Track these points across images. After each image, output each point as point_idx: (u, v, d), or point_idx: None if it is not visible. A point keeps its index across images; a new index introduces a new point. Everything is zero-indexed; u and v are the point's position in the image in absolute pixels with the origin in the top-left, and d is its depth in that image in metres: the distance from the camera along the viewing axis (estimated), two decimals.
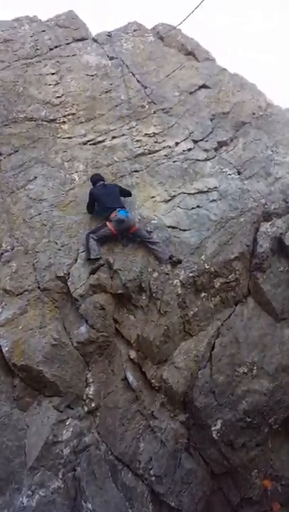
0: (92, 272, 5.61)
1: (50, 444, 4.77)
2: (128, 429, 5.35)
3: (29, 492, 4.51)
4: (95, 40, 8.88)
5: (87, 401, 5.28)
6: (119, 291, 5.68)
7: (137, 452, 5.29)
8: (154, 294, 5.82)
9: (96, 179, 6.35)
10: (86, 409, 5.24)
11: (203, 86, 8.37)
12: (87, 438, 5.05)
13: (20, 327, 5.23)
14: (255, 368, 5.84)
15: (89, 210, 6.24)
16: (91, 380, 5.39)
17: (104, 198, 5.98)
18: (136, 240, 6.02)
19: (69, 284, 5.56)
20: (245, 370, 5.80)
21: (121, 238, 6.00)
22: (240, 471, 5.59)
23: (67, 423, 5.00)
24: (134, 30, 9.27)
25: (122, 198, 6.23)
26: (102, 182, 6.28)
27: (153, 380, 5.63)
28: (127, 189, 6.45)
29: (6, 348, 5.06)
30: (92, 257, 5.62)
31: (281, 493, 5.61)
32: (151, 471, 5.24)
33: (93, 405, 5.27)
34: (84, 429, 5.07)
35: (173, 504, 5.22)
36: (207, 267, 6.12)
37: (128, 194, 6.42)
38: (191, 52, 9.09)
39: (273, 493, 5.55)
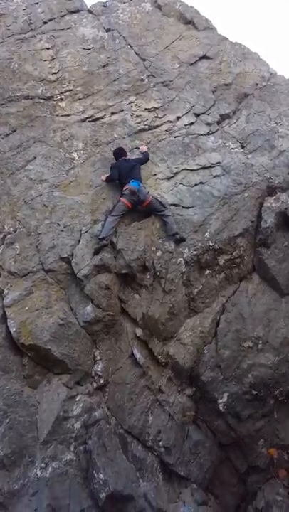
0: (96, 252, 5.62)
1: (61, 420, 4.92)
2: (136, 403, 5.48)
3: (42, 464, 4.69)
4: (90, 12, 8.52)
5: (95, 377, 5.40)
6: (124, 271, 5.69)
7: (146, 425, 5.44)
8: (158, 273, 5.83)
9: (118, 154, 6.35)
10: (95, 385, 5.37)
11: (204, 57, 8.07)
12: (97, 413, 5.19)
13: (26, 308, 5.29)
14: (260, 342, 5.90)
15: (109, 180, 6.25)
16: (99, 357, 5.49)
17: (123, 173, 6.05)
18: (149, 213, 6.04)
19: (73, 264, 5.57)
20: (251, 345, 5.87)
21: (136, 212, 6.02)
22: (246, 441, 5.75)
23: (77, 399, 5.14)
24: (131, 0, 8.87)
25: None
26: (124, 157, 6.31)
27: (160, 356, 5.73)
28: (144, 157, 6.47)
29: (14, 329, 5.14)
30: (100, 237, 5.67)
31: (287, 461, 5.78)
32: (160, 443, 5.40)
33: (102, 381, 5.39)
34: (94, 405, 5.21)
35: (182, 473, 5.42)
36: (211, 244, 6.09)
37: (147, 159, 6.48)
38: (190, 21, 8.71)
39: (279, 461, 5.72)
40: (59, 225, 5.85)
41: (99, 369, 5.43)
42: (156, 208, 6.01)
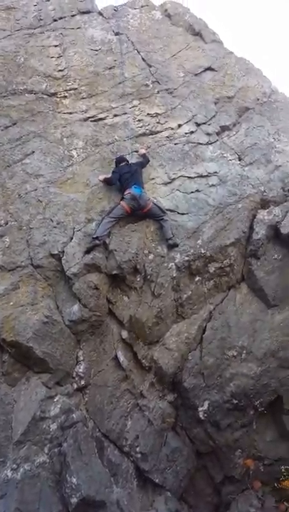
0: (87, 251, 5.58)
1: (37, 420, 4.81)
2: (116, 407, 5.41)
3: (14, 465, 4.55)
4: (100, 14, 8.60)
5: (76, 378, 5.32)
6: (114, 272, 5.66)
7: (124, 430, 5.38)
8: (148, 276, 5.82)
9: (119, 161, 6.38)
10: (75, 386, 5.28)
11: (209, 68, 8.19)
12: (75, 415, 5.10)
13: (11, 303, 5.20)
14: (244, 351, 5.92)
15: (106, 181, 6.26)
16: (82, 358, 5.42)
17: (124, 177, 6.08)
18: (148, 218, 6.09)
19: (63, 262, 5.52)
20: (235, 354, 5.88)
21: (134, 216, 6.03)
22: (224, 450, 5.73)
23: (56, 399, 5.04)
24: (142, 6, 8.98)
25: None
26: (125, 162, 6.35)
27: (143, 360, 5.69)
28: (145, 159, 6.58)
29: None
30: (94, 236, 5.64)
31: (263, 473, 5.76)
32: (138, 449, 5.34)
33: (83, 383, 5.31)
34: (72, 406, 5.12)
35: (157, 481, 5.35)
36: (203, 251, 6.11)
37: (147, 161, 6.57)
38: (198, 32, 8.86)
39: (255, 472, 5.70)
40: (52, 221, 5.81)
41: (81, 370, 5.35)
42: (155, 214, 6.05)
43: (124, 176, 6.09)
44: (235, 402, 5.68)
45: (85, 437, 4.99)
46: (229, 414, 5.69)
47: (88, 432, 5.10)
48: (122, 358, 5.60)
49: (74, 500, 4.46)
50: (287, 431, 5.91)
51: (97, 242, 5.62)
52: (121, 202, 5.89)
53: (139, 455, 5.34)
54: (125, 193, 5.93)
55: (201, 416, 5.60)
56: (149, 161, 6.61)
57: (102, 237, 5.66)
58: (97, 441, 5.16)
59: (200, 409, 5.61)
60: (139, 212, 6.00)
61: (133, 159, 6.63)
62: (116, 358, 5.60)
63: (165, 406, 5.70)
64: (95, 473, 4.76)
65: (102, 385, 5.46)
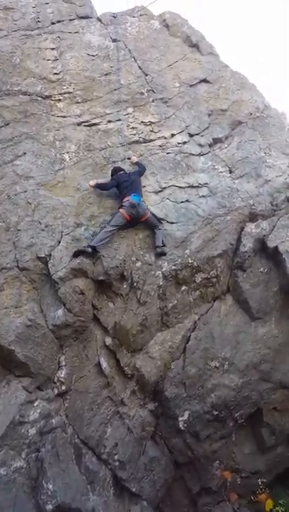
0: (75, 255, 5.50)
1: (16, 424, 4.73)
2: (96, 414, 5.38)
3: None
4: (99, 20, 8.64)
5: (57, 384, 5.26)
6: (101, 278, 5.65)
7: (103, 437, 5.34)
8: (135, 284, 5.82)
9: (116, 170, 6.40)
10: (56, 391, 5.22)
11: (204, 80, 8.30)
12: (55, 420, 5.04)
13: None
14: (226, 363, 5.96)
15: (98, 187, 6.24)
16: (64, 363, 5.37)
17: (123, 185, 6.11)
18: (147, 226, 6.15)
19: (50, 265, 5.48)
20: (217, 365, 5.92)
21: (132, 226, 6.05)
22: (202, 461, 5.74)
23: (36, 404, 4.97)
24: (141, 15, 9.06)
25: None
26: (123, 171, 6.37)
27: (126, 368, 5.67)
28: (142, 168, 6.63)
29: None
30: (91, 244, 5.56)
31: (240, 485, 5.79)
32: (116, 457, 5.31)
33: (64, 388, 5.26)
34: (52, 412, 5.06)
35: (134, 490, 5.32)
36: (190, 261, 6.16)
37: (143, 169, 6.63)
38: (195, 44, 8.97)
39: (232, 484, 5.73)
40: (40, 223, 5.77)
41: (62, 375, 5.30)
42: (152, 223, 6.10)
43: (123, 184, 6.12)
44: (215, 413, 5.71)
45: (64, 443, 4.94)
46: (209, 425, 5.71)
47: (67, 438, 5.05)
48: (104, 365, 5.57)
49: (49, 507, 4.41)
50: (265, 444, 5.97)
51: (89, 250, 5.53)
52: (120, 210, 5.90)
53: (117, 463, 5.31)
54: (124, 200, 5.94)
55: (180, 426, 5.61)
56: (145, 169, 6.65)
57: (98, 246, 5.60)
58: (75, 447, 5.12)
59: (180, 419, 5.62)
60: (137, 221, 6.02)
61: (131, 169, 6.64)
62: (98, 364, 5.57)
63: (145, 414, 5.69)
64: (72, 480, 4.71)
65: (83, 391, 5.42)
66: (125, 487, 5.31)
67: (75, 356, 5.49)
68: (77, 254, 5.54)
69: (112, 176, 6.39)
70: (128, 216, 5.86)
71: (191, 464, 5.76)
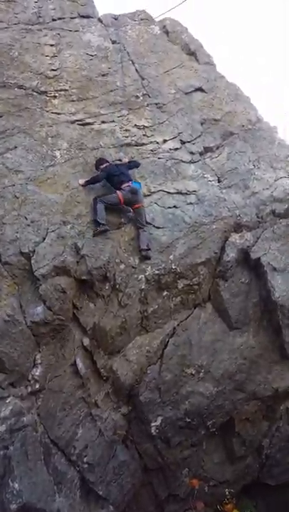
0: (95, 235, 5.77)
1: None
2: (69, 414, 5.33)
3: None
4: (100, 21, 8.65)
5: (31, 381, 5.19)
6: (83, 277, 5.62)
7: (74, 438, 5.29)
8: (117, 285, 5.82)
9: (101, 161, 6.41)
10: (29, 389, 5.15)
11: (200, 89, 8.39)
12: (26, 418, 4.96)
13: None
14: (202, 371, 6.00)
15: (90, 182, 6.26)
16: (39, 361, 5.31)
17: (116, 175, 6.19)
18: (133, 218, 6.20)
19: (32, 262, 5.42)
20: (193, 372, 5.94)
21: (124, 210, 6.20)
22: (171, 468, 5.74)
23: (8, 401, 4.88)
24: (142, 19, 9.12)
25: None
26: (108, 163, 6.41)
27: (102, 370, 5.65)
28: (133, 161, 6.71)
29: None
30: (99, 220, 5.77)
31: (207, 494, 5.81)
32: (85, 459, 5.26)
33: (37, 386, 5.19)
34: (24, 409, 4.98)
35: (101, 493, 5.28)
36: (174, 267, 6.19)
37: (136, 165, 6.67)
38: (193, 52, 9.07)
39: (200, 492, 5.74)
40: (26, 218, 5.71)
41: (37, 373, 5.23)
42: (140, 216, 6.15)
43: (115, 174, 6.19)
44: (188, 420, 5.73)
45: (33, 442, 4.87)
46: (181, 432, 5.72)
47: (37, 437, 4.98)
48: (80, 365, 5.53)
49: (14, 506, 4.34)
50: (235, 454, 6.02)
51: (106, 227, 5.82)
52: (117, 191, 6.02)
53: (86, 465, 5.26)
54: (123, 185, 6.06)
55: (152, 431, 5.61)
56: (137, 165, 6.69)
57: (105, 222, 5.80)
58: (45, 447, 5.05)
59: (152, 424, 5.62)
60: (129, 207, 6.13)
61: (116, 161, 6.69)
62: (75, 364, 5.52)
63: (118, 418, 5.67)
64: (39, 480, 4.65)
65: (56, 391, 5.37)
66: (92, 490, 5.26)
67: (52, 355, 5.43)
68: (97, 234, 5.79)
69: (96, 167, 6.43)
70: (123, 200, 6.01)
71: (161, 470, 5.76)
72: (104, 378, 5.68)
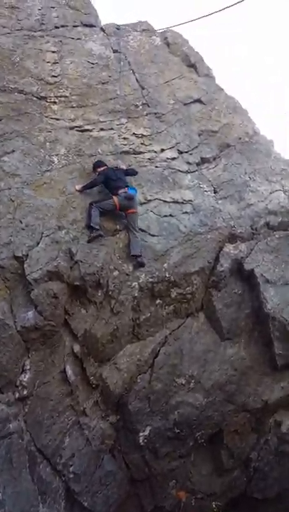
0: (89, 241, 5.77)
1: None
2: (56, 422, 5.26)
3: None
4: (102, 30, 8.76)
5: (19, 387, 5.12)
6: (76, 283, 5.60)
7: (61, 447, 5.22)
8: (110, 292, 5.79)
9: (99, 165, 6.44)
10: (17, 395, 5.08)
11: (198, 100, 8.49)
12: (12, 425, 4.89)
13: None
14: (193, 381, 5.96)
15: (87, 187, 6.29)
16: (28, 367, 5.24)
17: (113, 179, 6.25)
18: (125, 223, 6.23)
19: (25, 266, 5.39)
20: (183, 382, 5.91)
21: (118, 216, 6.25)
22: (158, 479, 5.67)
23: None
24: (143, 30, 9.25)
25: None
26: (106, 166, 6.45)
27: (92, 378, 5.60)
28: (131, 169, 6.75)
29: None
30: (92, 225, 5.79)
31: (194, 507, 5.73)
32: (71, 468, 5.18)
33: (25, 393, 5.12)
34: (11, 416, 4.91)
35: (86, 504, 5.20)
36: (168, 275, 6.18)
37: (133, 173, 6.70)
38: (193, 64, 9.20)
39: (186, 505, 5.67)
40: (21, 222, 5.69)
41: (25, 379, 5.16)
42: (133, 221, 6.16)
43: (113, 178, 6.24)
44: (176, 431, 5.67)
45: (19, 450, 4.79)
46: (169, 443, 5.66)
47: (23, 445, 4.90)
48: (69, 372, 5.48)
49: None
50: (223, 466, 5.96)
51: (100, 232, 5.84)
52: (114, 197, 6.05)
53: (71, 475, 5.18)
54: (120, 191, 6.10)
55: (140, 441, 5.54)
56: (135, 173, 6.71)
57: (98, 227, 5.83)
58: (30, 455, 4.97)
59: (141, 434, 5.56)
60: (123, 212, 6.17)
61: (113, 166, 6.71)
62: (64, 371, 5.47)
63: (106, 427, 5.60)
64: (23, 489, 4.56)
65: (44, 398, 5.30)
66: (77, 501, 5.18)
67: (41, 361, 5.37)
68: (91, 240, 5.81)
69: (94, 169, 6.46)
70: (119, 205, 6.05)
71: (147, 481, 5.68)
72: (94, 386, 5.62)
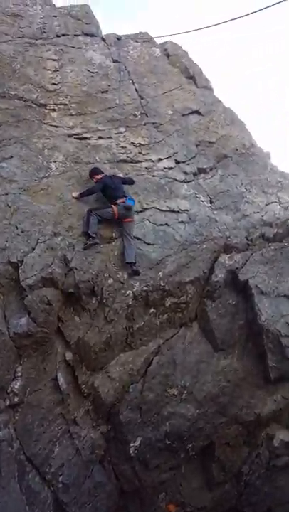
0: (85, 248, 5.79)
1: None
2: (46, 430, 5.19)
3: None
4: (103, 39, 8.87)
5: (10, 395, 5.06)
6: (70, 290, 5.58)
7: (50, 456, 5.15)
8: (104, 300, 5.77)
9: (96, 172, 6.47)
10: (8, 402, 5.02)
11: (196, 112, 8.59)
12: (2, 433, 4.83)
13: None
14: (185, 392, 5.92)
15: (84, 194, 6.31)
16: (20, 374, 5.20)
17: (112, 187, 6.28)
18: (121, 231, 6.24)
19: (20, 271, 5.37)
20: (176, 393, 5.87)
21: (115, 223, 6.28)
22: (149, 491, 5.60)
23: None
24: (144, 41, 9.38)
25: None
26: (103, 174, 6.48)
27: (83, 386, 5.55)
28: (128, 178, 6.81)
29: None
30: (90, 233, 5.83)
31: None
32: (60, 478, 5.11)
33: (16, 400, 5.06)
34: (1, 423, 4.86)
35: None
36: (162, 284, 6.18)
37: (130, 182, 6.74)
38: (192, 76, 9.33)
39: None
40: (17, 228, 5.69)
41: (16, 386, 5.10)
42: (130, 230, 6.19)
43: (111, 186, 6.28)
44: (168, 442, 5.61)
45: (8, 458, 4.73)
46: (160, 455, 5.60)
47: (12, 454, 4.83)
48: (61, 380, 5.43)
49: None
50: (214, 480, 5.90)
51: (96, 240, 5.89)
52: (113, 206, 6.09)
53: (60, 485, 5.10)
54: (119, 200, 6.15)
55: (131, 452, 5.48)
56: (132, 183, 6.75)
57: (95, 235, 5.89)
58: (19, 464, 4.89)
59: (132, 445, 5.49)
60: (121, 220, 6.21)
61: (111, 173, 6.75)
62: (55, 379, 5.42)
63: (97, 437, 5.54)
64: (11, 500, 4.49)
65: (35, 405, 5.24)
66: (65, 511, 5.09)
67: (33, 368, 5.32)
68: (87, 247, 5.84)
69: (90, 176, 6.49)
70: (118, 215, 6.10)
71: (137, 493, 5.60)
72: (85, 395, 5.57)
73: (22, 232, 5.68)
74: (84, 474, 5.30)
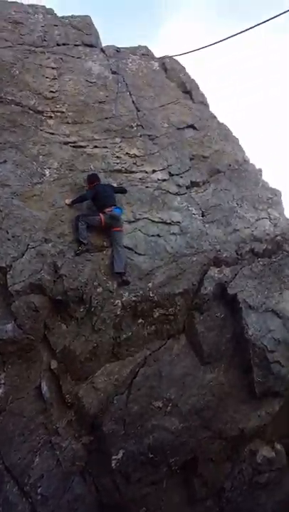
0: (77, 254, 5.84)
1: None
2: (27, 440, 5.10)
3: None
4: (102, 51, 8.99)
5: None
6: (59, 297, 5.55)
7: (30, 466, 5.05)
8: (92, 309, 5.74)
9: (93, 179, 6.53)
10: None
11: (192, 126, 8.71)
12: None
13: None
14: (170, 404, 5.87)
15: (77, 201, 6.35)
16: (3, 381, 5.13)
17: (102, 196, 6.34)
18: (110, 239, 6.26)
19: (8, 277, 5.34)
20: (160, 405, 5.81)
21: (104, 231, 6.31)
22: (129, 505, 5.48)
23: None
24: (142, 55, 9.53)
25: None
26: (99, 182, 6.55)
27: (67, 396, 5.48)
28: (120, 187, 6.85)
29: None
30: (81, 240, 5.91)
31: None
32: (39, 490, 5.01)
33: None
34: None
35: None
36: (151, 295, 6.17)
37: (122, 191, 6.81)
38: (188, 91, 9.49)
39: None
40: (7, 232, 5.67)
41: None
42: (119, 239, 6.21)
43: (101, 195, 6.32)
44: (150, 455, 5.53)
45: None
46: (142, 468, 5.51)
47: None
48: (45, 389, 5.36)
49: None
50: (196, 495, 5.81)
51: (88, 246, 6.00)
52: (101, 214, 6.15)
53: (39, 497, 4.99)
54: (106, 210, 6.20)
55: (113, 465, 5.37)
56: (124, 192, 6.79)
57: (86, 240, 5.98)
58: None
59: (114, 457, 5.39)
60: (110, 229, 6.23)
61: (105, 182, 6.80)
62: (39, 387, 5.35)
63: (78, 448, 5.44)
64: None
65: (17, 414, 5.15)
66: None
67: (16, 375, 5.24)
68: (79, 253, 5.89)
69: (89, 181, 6.53)
70: (104, 224, 6.16)
71: (117, 507, 5.48)
72: (69, 405, 5.49)
73: (12, 237, 5.67)
74: (64, 486, 5.18)
